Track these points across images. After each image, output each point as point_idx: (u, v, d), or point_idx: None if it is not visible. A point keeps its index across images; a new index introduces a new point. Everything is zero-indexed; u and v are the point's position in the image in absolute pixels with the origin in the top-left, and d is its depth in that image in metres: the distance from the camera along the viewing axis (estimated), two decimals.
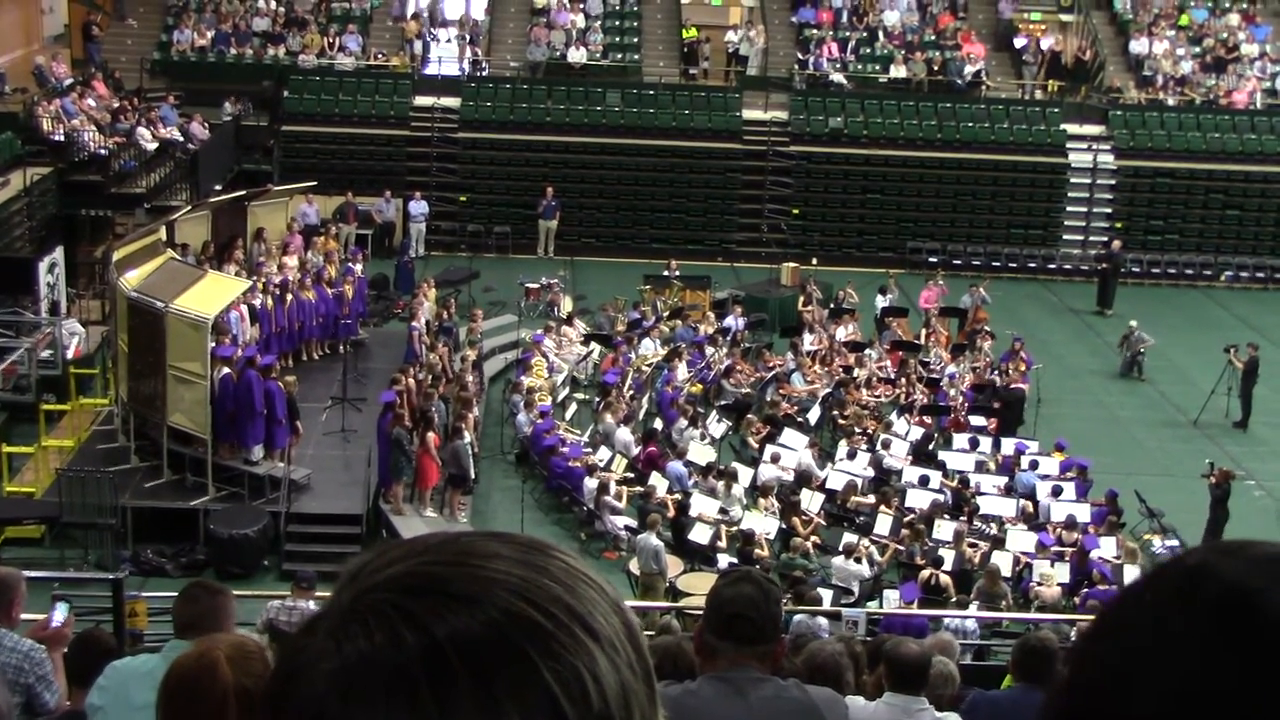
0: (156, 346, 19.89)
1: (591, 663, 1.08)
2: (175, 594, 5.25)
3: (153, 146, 30.71)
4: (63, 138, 29.00)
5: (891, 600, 17.70)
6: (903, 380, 25.73)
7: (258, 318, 23.18)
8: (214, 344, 19.86)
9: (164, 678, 3.39)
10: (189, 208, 26.00)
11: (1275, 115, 37.10)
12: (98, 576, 15.79)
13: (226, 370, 19.79)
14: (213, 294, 20.47)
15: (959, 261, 34.56)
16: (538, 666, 1.06)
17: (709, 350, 26.16)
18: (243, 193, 27.11)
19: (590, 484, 20.31)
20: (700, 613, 4.01)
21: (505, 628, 1.07)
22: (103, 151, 29.25)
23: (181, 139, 31.81)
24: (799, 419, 23.97)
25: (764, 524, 19.68)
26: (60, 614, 6.91)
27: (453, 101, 35.47)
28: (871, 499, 20.94)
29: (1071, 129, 36.34)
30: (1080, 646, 1.17)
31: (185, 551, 18.90)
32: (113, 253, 22.52)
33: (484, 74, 37.00)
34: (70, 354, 23.67)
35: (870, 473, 22.06)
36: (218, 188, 30.40)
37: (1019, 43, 39.01)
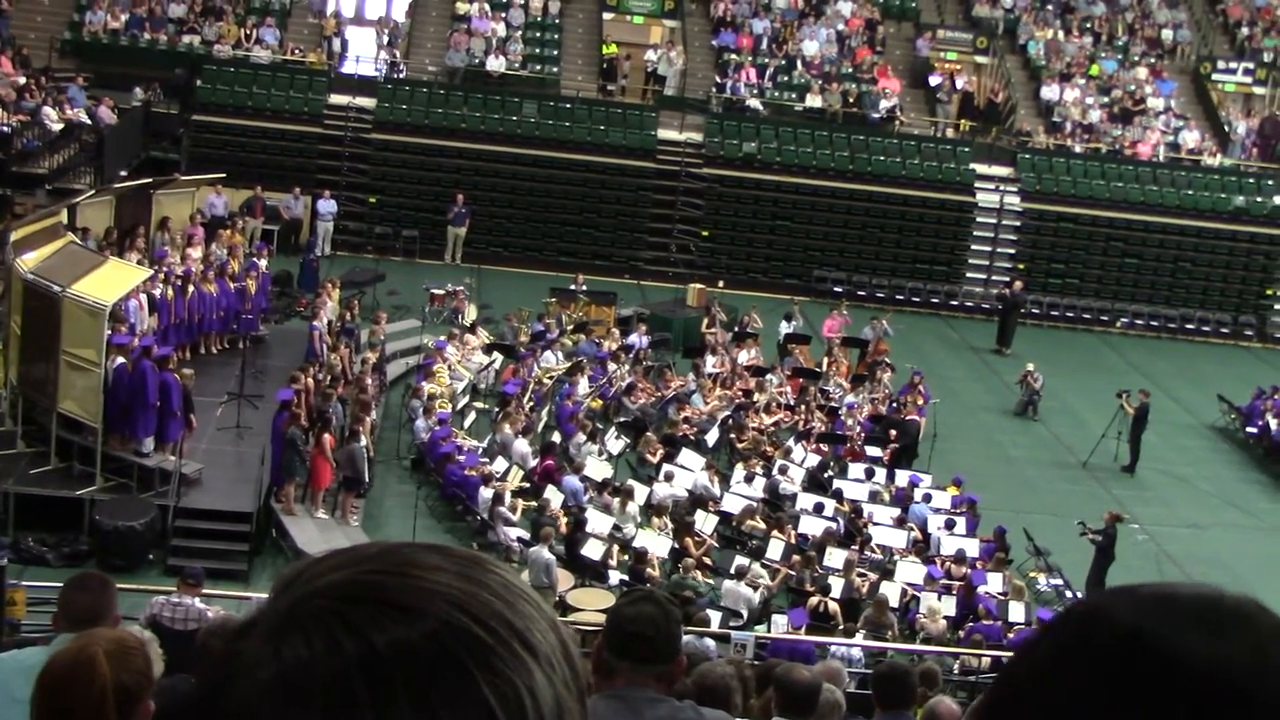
0: (51, 331, 19.48)
1: (529, 678, 1.08)
2: (56, 584, 5.15)
3: (58, 127, 30.17)
4: None
5: (780, 625, 17.78)
6: (802, 407, 25.92)
7: (157, 308, 22.81)
8: (111, 332, 19.51)
9: (40, 673, 3.31)
10: (92, 192, 25.57)
11: (1176, 169, 37.94)
12: None
13: (121, 359, 19.43)
14: (112, 281, 20.10)
15: (863, 293, 34.92)
16: (476, 680, 1.05)
17: (611, 367, 26.17)
18: (149, 180, 26.70)
19: (485, 494, 20.21)
20: (590, 628, 4.00)
21: (445, 639, 1.06)
22: (5, 129, 28.66)
23: (89, 121, 31.26)
24: (697, 440, 24.06)
25: (657, 543, 19.71)
26: None
27: (368, 102, 35.23)
28: (764, 524, 21.04)
29: (980, 169, 36.90)
30: (986, 703, 1.20)
31: (68, 541, 18.50)
32: (10, 232, 22.03)
33: (401, 76, 36.80)
34: None
35: (765, 497, 22.17)
36: (123, 174, 29.92)
37: (934, 81, 39.54)
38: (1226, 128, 39.88)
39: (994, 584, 19.47)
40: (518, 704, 1.07)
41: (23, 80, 31.27)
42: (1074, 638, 1.16)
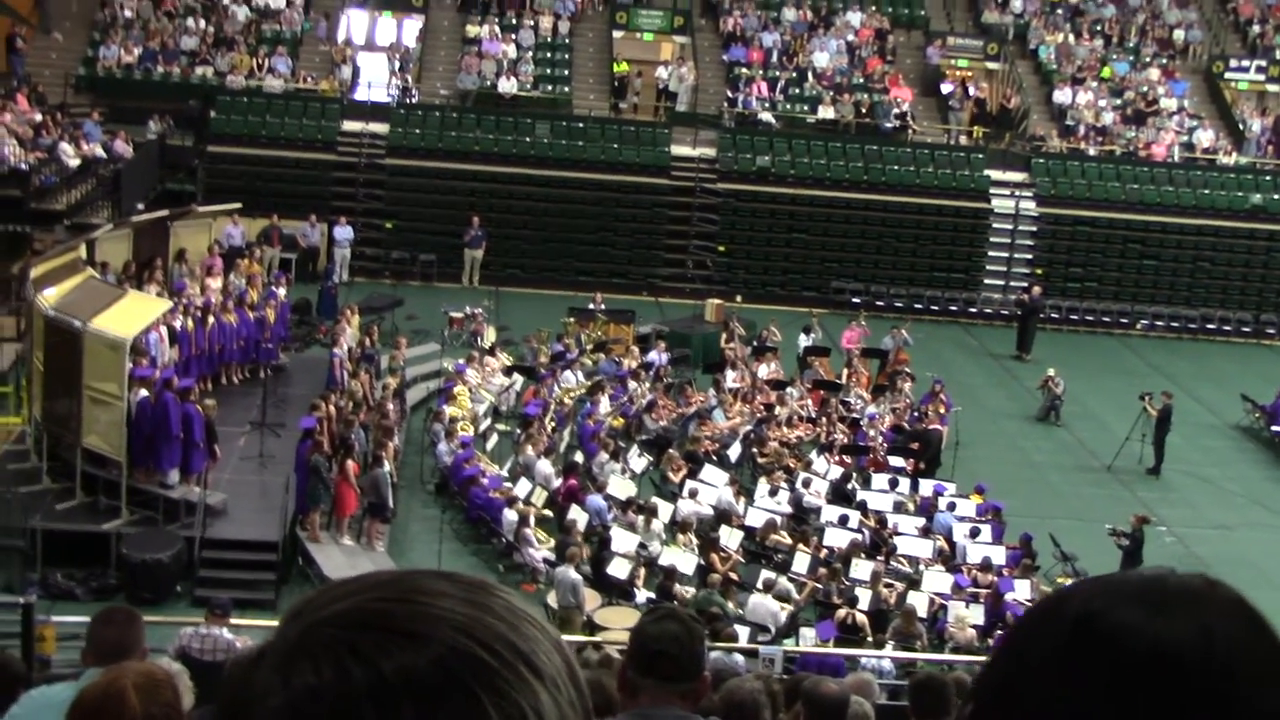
0: (73, 366, 19.57)
1: (534, 700, 1.10)
2: (85, 619, 5.17)
3: (75, 163, 30.32)
4: None
5: (808, 638, 17.75)
6: (823, 419, 25.89)
7: (177, 339, 22.89)
8: (132, 365, 19.59)
9: (70, 707, 3.33)
10: (110, 226, 25.70)
11: (1191, 169, 37.84)
12: (5, 600, 15.50)
13: (144, 392, 19.52)
14: (132, 314, 20.20)
15: (881, 303, 34.87)
16: (482, 702, 1.07)
17: (631, 385, 26.17)
18: (165, 212, 26.83)
19: (510, 516, 20.23)
20: (617, 647, 4.01)
21: (451, 664, 1.08)
22: (23, 166, 28.81)
23: (105, 156, 31.44)
24: (720, 456, 24.04)
25: (682, 560, 19.69)
26: None
27: (381, 127, 35.36)
28: (790, 537, 21.01)
29: (995, 175, 36.86)
30: (979, 675, 1.30)
31: (96, 576, 18.56)
32: (31, 269, 22.17)
33: (413, 101, 36.92)
34: None
35: (789, 511, 22.14)
36: (140, 207, 30.04)
37: (945, 88, 39.53)
38: (1241, 126, 39.77)
39: (1021, 591, 19.40)
40: None
41: (39, 117, 31.45)
42: (1035, 623, 1.23)
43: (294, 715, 1.06)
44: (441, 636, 1.10)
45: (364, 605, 1.12)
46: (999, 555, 20.72)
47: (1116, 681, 1.15)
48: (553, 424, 24.12)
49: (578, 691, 1.16)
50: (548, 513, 21.07)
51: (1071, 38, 41.37)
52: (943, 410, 26.43)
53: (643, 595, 18.78)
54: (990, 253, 36.53)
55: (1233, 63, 41.52)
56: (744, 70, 38.57)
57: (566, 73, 38.33)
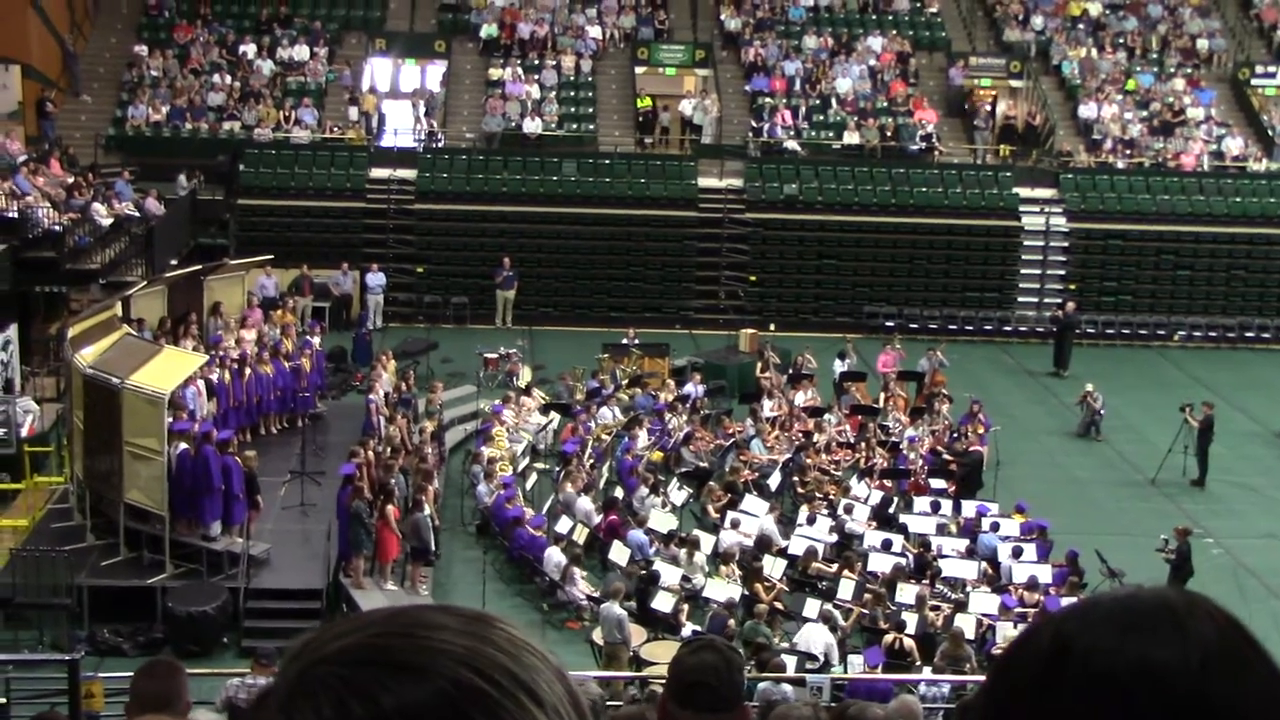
0: (112, 423, 19.73)
1: None
2: (132, 675, 5.18)
3: (108, 222, 30.57)
4: (16, 215, 28.83)
5: (855, 665, 17.64)
6: (862, 444, 25.79)
7: (215, 392, 23.04)
8: (171, 419, 19.72)
9: None
10: (144, 283, 25.90)
11: (1222, 177, 37.65)
12: (53, 658, 15.57)
13: (184, 445, 19.64)
14: (169, 369, 20.34)
15: (915, 325, 34.79)
16: None
17: (668, 418, 26.15)
18: (198, 267, 27.03)
19: (554, 555, 20.22)
20: (664, 682, 4.00)
21: (452, 696, 1.08)
22: (57, 228, 29.06)
23: (137, 214, 31.70)
24: (759, 485, 23.97)
25: (726, 591, 19.62)
26: None
27: (409, 173, 35.58)
28: (834, 565, 20.92)
29: (1023, 192, 36.76)
30: (974, 701, 1.30)
31: (143, 630, 18.65)
32: (68, 329, 22.38)
33: (440, 145, 37.13)
34: (24, 432, 23.44)
35: (832, 538, 22.05)
36: (173, 262, 30.28)
37: (974, 112, 39.46)
38: (1270, 132, 39.56)
39: None
40: None
41: (71, 179, 31.77)
42: (1018, 649, 1.23)
43: None
44: (441, 669, 1.10)
45: (363, 641, 1.12)
46: (1045, 574, 20.56)
47: (1096, 705, 1.15)
48: (591, 461, 24.12)
49: (580, 717, 1.15)
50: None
51: (1094, 52, 41.28)
52: (981, 430, 26.29)
53: (688, 628, 18.72)
54: (1022, 270, 36.41)
55: (1258, 69, 41.33)
56: (767, 100, 38.64)
57: (590, 110, 38.50)
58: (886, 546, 21.23)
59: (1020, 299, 36.32)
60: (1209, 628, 1.17)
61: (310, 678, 1.10)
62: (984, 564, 21.12)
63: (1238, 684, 1.15)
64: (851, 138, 37.77)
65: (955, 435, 26.32)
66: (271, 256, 30.04)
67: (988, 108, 39.54)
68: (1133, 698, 1.13)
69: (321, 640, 1.14)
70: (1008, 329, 35.73)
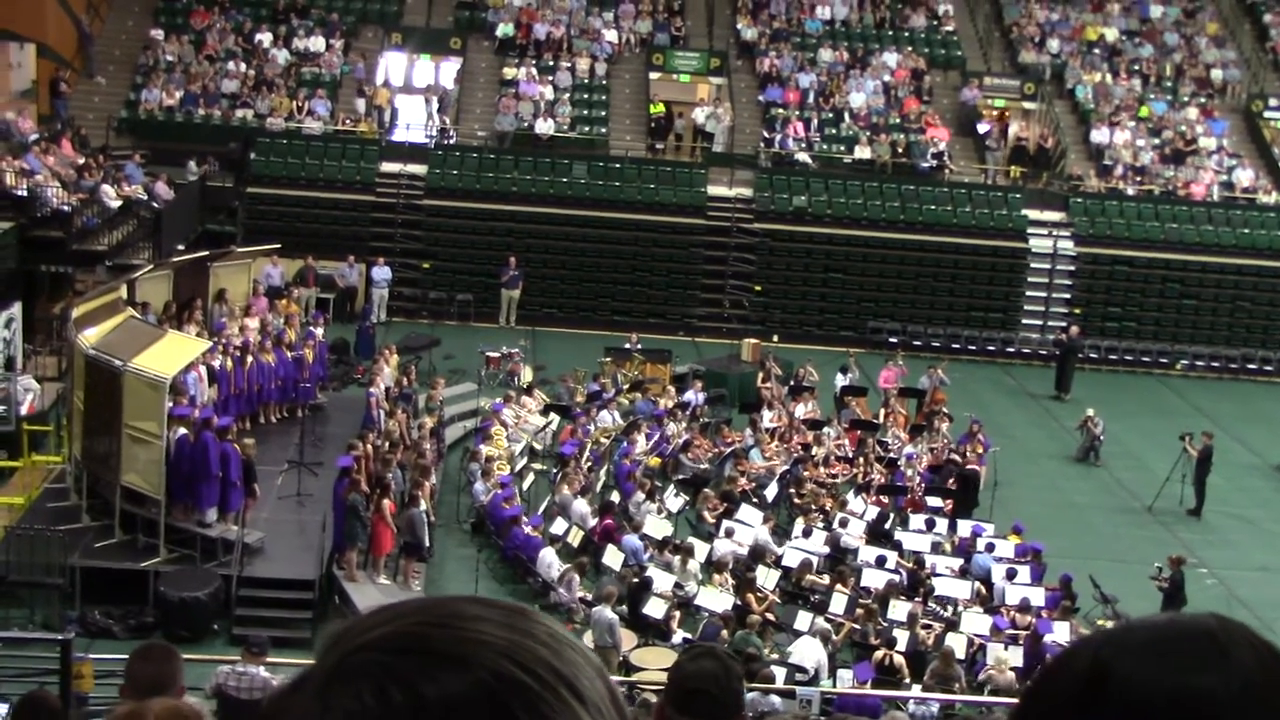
0: (113, 405, 19.71)
1: None
2: (123, 656, 5.18)
3: (116, 204, 30.62)
4: (25, 193, 28.86)
5: (845, 680, 17.62)
6: (860, 459, 25.79)
7: (216, 379, 23.04)
8: (171, 404, 19.71)
9: None
10: (151, 266, 25.91)
11: (1231, 208, 37.66)
12: (44, 637, 15.57)
13: (183, 431, 19.63)
14: (172, 354, 20.33)
15: (919, 342, 34.78)
16: None
17: (668, 424, 26.15)
18: (205, 253, 27.04)
19: (549, 557, 20.21)
20: (653, 688, 3.98)
21: (493, 688, 1.07)
22: (66, 208, 29.12)
23: (146, 198, 31.73)
24: (756, 495, 23.96)
25: (718, 600, 19.61)
26: None
27: (419, 168, 35.58)
28: (826, 578, 20.90)
29: (1033, 214, 36.76)
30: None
31: (134, 613, 18.62)
32: (72, 309, 22.37)
33: (451, 142, 37.15)
34: (24, 410, 23.44)
35: (826, 551, 22.03)
36: (180, 247, 30.29)
37: (982, 128, 39.49)
38: None
39: (1060, 633, 19.20)
40: None
41: (81, 160, 31.80)
42: (1051, 676, 1.22)
43: None
44: (483, 660, 1.09)
45: (403, 630, 1.11)
46: (1038, 596, 20.54)
47: None
48: (589, 463, 24.12)
49: (621, 716, 1.14)
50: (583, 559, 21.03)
51: (1109, 77, 41.29)
52: (980, 450, 26.28)
53: (679, 635, 18.71)
54: (1028, 292, 36.39)
55: (1272, 101, 41.31)
56: (780, 111, 38.65)
57: (603, 114, 38.51)
58: (880, 562, 21.22)
59: (1025, 321, 36.30)
60: (1249, 656, 1.16)
61: (350, 664, 1.09)
62: (977, 584, 21.11)
63: (1278, 714, 1.13)
64: (863, 152, 37.77)
65: (954, 454, 26.30)
66: (279, 246, 30.02)
67: (986, 127, 39.47)
68: None
69: (360, 628, 1.13)
70: (1011, 350, 35.72)
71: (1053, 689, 1.19)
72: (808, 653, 17.77)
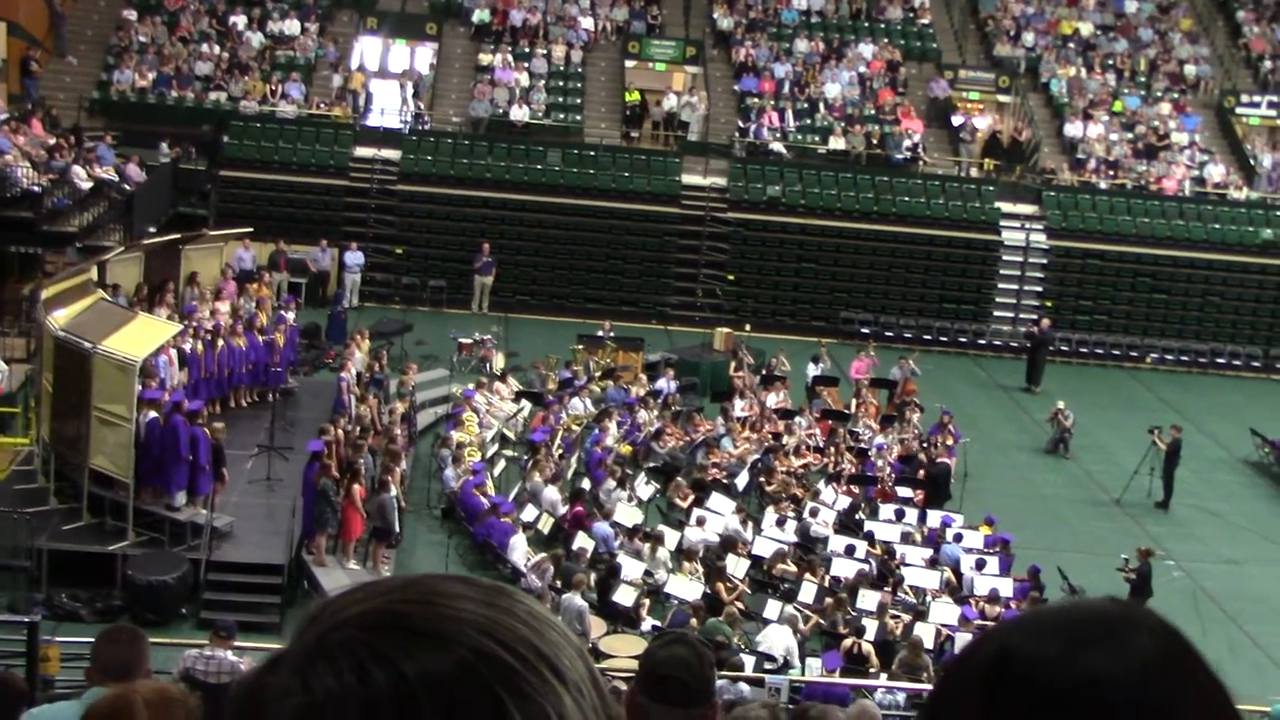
0: (82, 387, 19.59)
1: (559, 704, 1.08)
2: (89, 640, 5.15)
3: (87, 185, 30.42)
4: None
5: (813, 668, 17.67)
6: (831, 449, 25.84)
7: (187, 362, 22.93)
8: (141, 387, 19.60)
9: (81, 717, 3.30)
10: (122, 248, 25.77)
11: (1202, 204, 37.85)
12: (10, 619, 15.47)
13: (153, 414, 19.53)
14: (142, 336, 20.22)
15: (891, 333, 34.85)
16: (506, 705, 1.05)
17: (639, 412, 26.15)
18: (177, 236, 26.89)
19: (522, 545, 20.18)
20: (623, 675, 3.98)
21: (474, 666, 1.06)
22: (36, 188, 28.92)
23: (117, 179, 31.54)
24: (727, 484, 23.99)
25: (688, 588, 19.63)
26: None
27: (393, 154, 35.47)
28: (794, 567, 20.94)
29: (1005, 207, 36.87)
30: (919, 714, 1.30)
31: (101, 597, 18.53)
32: (41, 290, 22.22)
33: (425, 128, 37.04)
34: None
35: (795, 540, 22.07)
36: (152, 230, 30.12)
37: (956, 121, 39.57)
38: (1252, 161, 39.79)
39: None
40: None
41: (52, 140, 31.57)
42: (960, 663, 1.23)
43: (314, 717, 1.04)
44: (464, 638, 1.08)
45: (383, 607, 1.11)
46: (1006, 587, 20.63)
47: (1039, 716, 1.14)
48: (560, 450, 24.10)
49: (601, 698, 1.14)
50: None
51: (1083, 72, 41.44)
52: (951, 441, 26.37)
53: (648, 623, 18.73)
54: (1000, 285, 36.52)
55: (1244, 98, 41.56)
56: (755, 100, 38.66)
57: (579, 101, 38.44)
58: (850, 552, 21.27)
59: (996, 313, 36.42)
60: (1149, 638, 1.18)
61: (329, 642, 1.08)
62: (947, 574, 21.19)
63: (1179, 692, 1.15)
64: (837, 143, 37.82)
65: (924, 445, 26.39)
66: (251, 229, 29.90)
67: (961, 119, 39.55)
68: (1075, 708, 1.13)
69: (340, 604, 1.12)
70: (982, 342, 35.85)
71: (962, 675, 1.21)
72: (776, 640, 17.82)
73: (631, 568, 19.96)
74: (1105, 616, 1.19)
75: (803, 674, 17.27)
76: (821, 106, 38.88)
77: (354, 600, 1.12)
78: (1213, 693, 1.18)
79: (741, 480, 24.14)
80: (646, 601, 19.28)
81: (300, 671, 1.07)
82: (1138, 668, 1.15)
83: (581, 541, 20.64)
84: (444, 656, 1.06)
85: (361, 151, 35.41)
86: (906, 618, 19.56)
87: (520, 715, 1.05)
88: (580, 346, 29.58)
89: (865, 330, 34.34)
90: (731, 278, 35.56)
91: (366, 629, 1.08)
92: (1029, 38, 42.28)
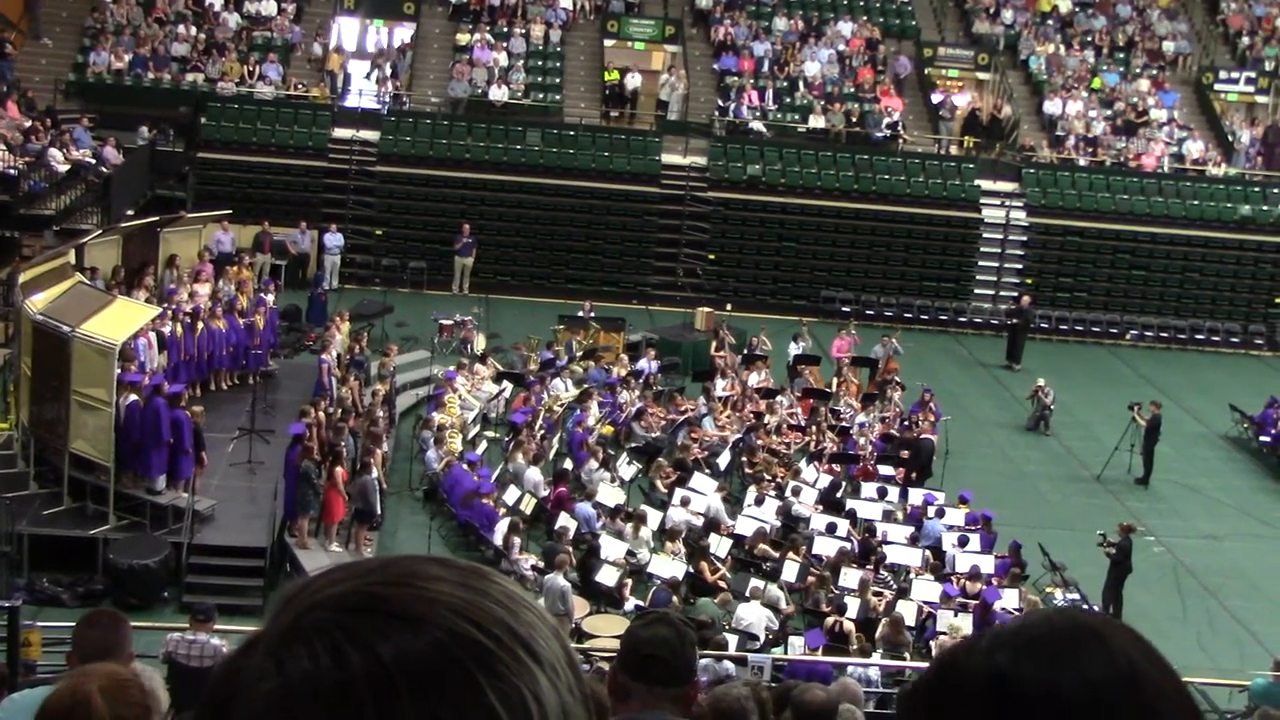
0: (61, 371, 19.51)
1: (534, 684, 1.08)
2: (71, 624, 5.14)
3: (64, 168, 30.27)
4: None
5: (796, 646, 17.73)
6: (813, 428, 25.88)
7: (166, 345, 22.85)
8: (120, 370, 19.53)
9: (36, 717, 3.28)
10: (100, 231, 25.64)
11: (1181, 180, 37.94)
12: None
13: (133, 397, 19.47)
14: (121, 320, 20.13)
15: (871, 312, 34.88)
16: (482, 686, 1.05)
17: (621, 392, 26.16)
18: (156, 219, 26.77)
19: (501, 525, 20.18)
20: (606, 655, 3.98)
21: (450, 648, 1.06)
22: (12, 172, 28.76)
23: (94, 162, 31.37)
24: (709, 464, 24.01)
25: (671, 567, 19.67)
26: None
27: (372, 134, 35.34)
28: (779, 547, 20.98)
29: (985, 185, 36.92)
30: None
31: (83, 581, 18.49)
32: (19, 274, 22.12)
33: (404, 108, 36.92)
34: None
35: (778, 520, 22.11)
36: (130, 213, 29.99)
37: (936, 98, 39.58)
38: (1230, 137, 39.90)
39: (1010, 600, 19.37)
40: (523, 709, 1.08)
41: (28, 123, 31.38)
42: (947, 682, 1.24)
43: (288, 700, 1.04)
44: (439, 620, 1.08)
45: (359, 589, 1.11)
46: (988, 564, 20.71)
47: None
48: (542, 431, 24.08)
49: (576, 678, 1.14)
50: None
51: (1062, 49, 41.47)
52: (932, 419, 26.43)
53: (631, 603, 18.76)
54: (980, 262, 36.57)
55: (1222, 74, 41.66)
56: (735, 79, 38.61)
57: (558, 81, 38.35)
58: (832, 530, 21.33)
59: (977, 291, 36.49)
60: (1125, 640, 1.23)
61: (305, 623, 1.08)
62: (928, 552, 21.26)
63: (1162, 686, 1.20)
64: (817, 121, 37.80)
65: (906, 423, 26.46)
66: (229, 211, 29.78)
67: (940, 97, 39.56)
68: (1082, 712, 1.17)
69: (316, 586, 1.12)
70: (963, 320, 35.91)
71: (954, 702, 1.22)
72: (751, 616, 17.88)
73: (614, 548, 19.98)
74: (1082, 625, 1.24)
75: (785, 652, 17.32)
76: (801, 85, 38.84)
77: (330, 582, 1.12)
78: (1179, 684, 1.22)
79: (723, 460, 24.17)
80: (629, 581, 19.31)
81: (276, 654, 1.06)
82: (1127, 667, 1.19)
83: (564, 522, 20.66)
84: (419, 638, 1.06)
85: (340, 133, 35.27)
86: (889, 595, 19.62)
87: (496, 696, 1.06)
88: (561, 327, 29.56)
89: (846, 309, 34.36)
90: (712, 257, 35.55)
91: (342, 611, 1.08)
92: (1008, 15, 42.29)
